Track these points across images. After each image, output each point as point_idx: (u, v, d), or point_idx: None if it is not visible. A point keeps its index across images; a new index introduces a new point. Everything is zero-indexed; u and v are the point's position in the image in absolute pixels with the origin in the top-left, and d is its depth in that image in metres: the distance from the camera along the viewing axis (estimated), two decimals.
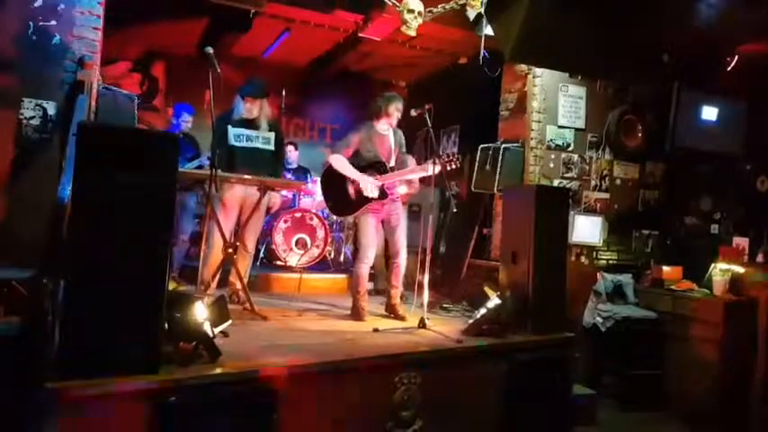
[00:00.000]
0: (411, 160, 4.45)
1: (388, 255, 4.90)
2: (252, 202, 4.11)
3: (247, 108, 4.14)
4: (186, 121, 5.45)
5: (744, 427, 4.19)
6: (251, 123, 4.19)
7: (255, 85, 4.22)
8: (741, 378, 4.29)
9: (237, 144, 4.12)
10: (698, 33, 4.63)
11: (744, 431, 4.18)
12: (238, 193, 4.10)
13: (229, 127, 4.11)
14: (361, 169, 4.09)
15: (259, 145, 4.20)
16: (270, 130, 4.25)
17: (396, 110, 4.14)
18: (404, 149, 4.35)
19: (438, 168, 3.99)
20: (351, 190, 4.08)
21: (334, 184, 4.15)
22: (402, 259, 4.19)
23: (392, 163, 4.20)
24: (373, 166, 4.11)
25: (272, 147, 4.26)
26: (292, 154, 6.79)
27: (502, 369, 3.45)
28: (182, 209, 5.06)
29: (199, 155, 5.14)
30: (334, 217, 6.23)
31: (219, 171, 3.64)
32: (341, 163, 4.09)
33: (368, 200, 4.04)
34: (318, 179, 6.38)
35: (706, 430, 4.32)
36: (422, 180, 4.60)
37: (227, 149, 4.05)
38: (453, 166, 4.00)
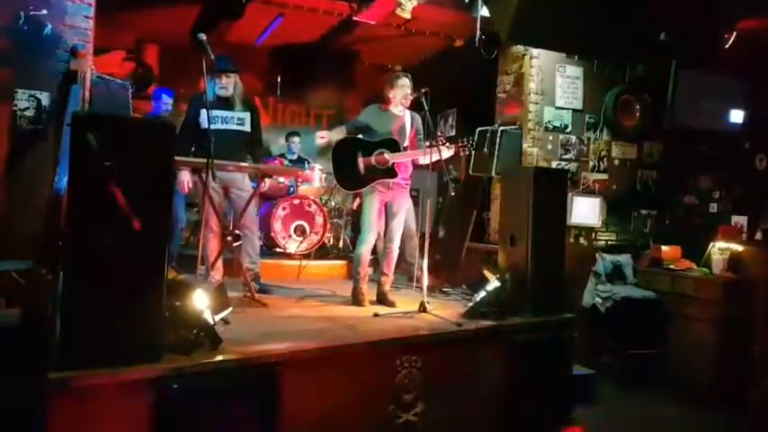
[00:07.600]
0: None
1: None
2: (237, 184, 4.09)
3: (224, 83, 4.03)
4: (166, 103, 5.35)
5: (742, 405, 4.22)
6: (225, 103, 4.08)
7: (226, 60, 4.10)
8: (740, 356, 4.31)
9: (212, 126, 3.92)
10: (696, 10, 4.58)
11: (742, 409, 4.21)
12: (221, 174, 4.02)
13: (202, 111, 3.94)
14: (373, 146, 4.04)
15: (234, 126, 4.10)
16: (245, 110, 4.16)
17: (399, 86, 4.09)
18: (421, 135, 4.25)
19: (451, 152, 3.99)
20: (360, 165, 4.04)
21: (343, 157, 4.09)
22: (395, 247, 4.15)
23: (405, 143, 4.12)
24: (384, 144, 4.04)
25: (247, 128, 4.16)
26: (295, 144, 6.74)
27: (502, 351, 3.47)
28: (177, 197, 5.02)
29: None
30: (333, 203, 6.25)
31: (206, 158, 3.54)
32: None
33: (376, 176, 4.01)
34: (316, 166, 6.40)
35: (705, 408, 4.36)
36: (420, 165, 4.58)
37: (200, 133, 3.94)
38: (465, 153, 4.01)
